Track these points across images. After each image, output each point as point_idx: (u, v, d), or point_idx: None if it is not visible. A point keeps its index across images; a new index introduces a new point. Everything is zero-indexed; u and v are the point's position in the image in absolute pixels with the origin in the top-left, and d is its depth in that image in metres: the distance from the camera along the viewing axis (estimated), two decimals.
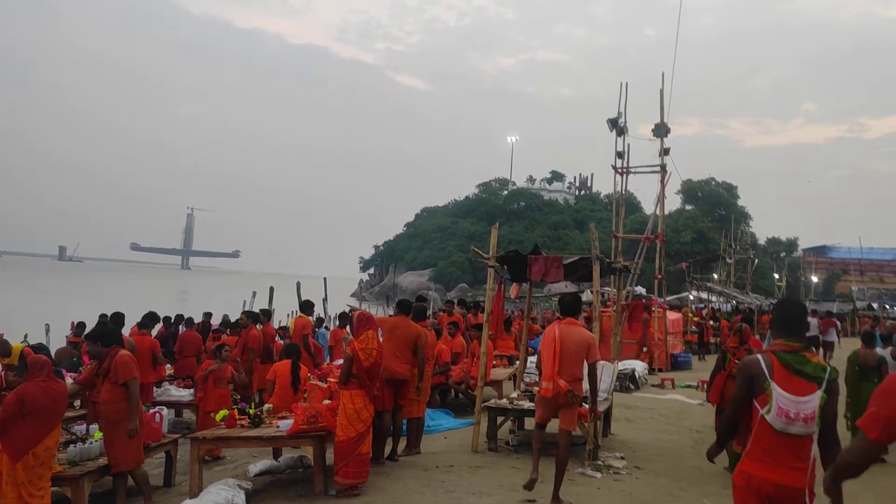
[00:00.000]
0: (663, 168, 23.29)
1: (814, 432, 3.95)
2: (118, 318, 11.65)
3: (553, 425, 7.93)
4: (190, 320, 16.08)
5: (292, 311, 38.19)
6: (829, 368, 4.01)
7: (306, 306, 14.74)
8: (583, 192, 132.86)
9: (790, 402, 3.92)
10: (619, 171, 23.83)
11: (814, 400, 3.92)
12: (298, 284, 34.39)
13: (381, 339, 8.78)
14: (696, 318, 26.99)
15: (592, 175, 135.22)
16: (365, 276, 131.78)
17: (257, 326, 14.39)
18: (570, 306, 7.81)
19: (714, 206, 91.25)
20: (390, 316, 9.74)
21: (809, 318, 21.67)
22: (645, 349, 20.33)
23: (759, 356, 4.07)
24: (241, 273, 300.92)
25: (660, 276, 23.11)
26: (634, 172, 23.94)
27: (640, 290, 26.00)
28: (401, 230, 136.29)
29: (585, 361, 7.50)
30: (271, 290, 29.91)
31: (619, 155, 23.54)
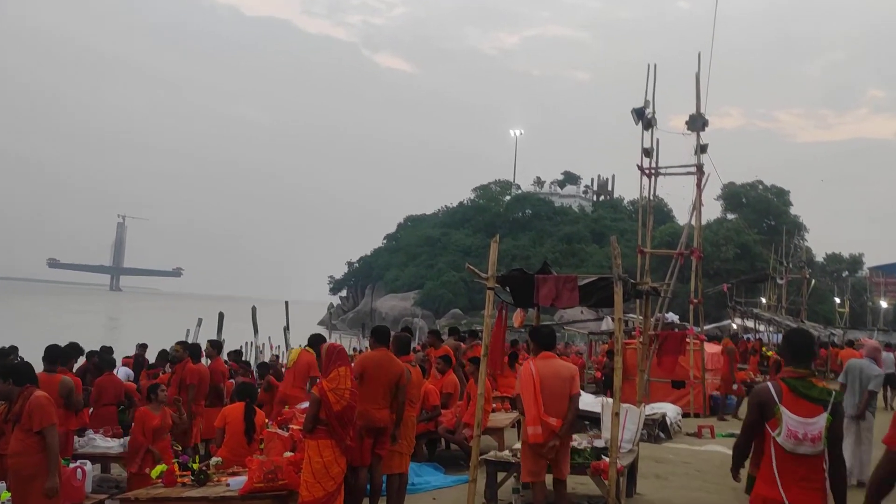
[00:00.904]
0: (700, 168, 23.39)
1: (822, 452, 5.04)
2: (61, 351, 11.31)
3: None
4: (104, 358, 14.84)
5: (282, 345, 38.06)
6: (833, 392, 5.15)
7: (317, 341, 14.48)
8: (602, 197, 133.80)
9: (798, 423, 5.03)
10: (647, 172, 23.91)
11: (820, 421, 5.05)
12: (254, 310, 34.34)
13: (354, 378, 8.76)
14: (769, 353, 27.19)
15: (614, 177, 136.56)
16: (336, 300, 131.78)
17: (204, 361, 14.30)
18: (546, 339, 8.59)
19: (761, 214, 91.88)
20: (367, 349, 9.75)
21: (885, 353, 21.72)
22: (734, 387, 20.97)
23: (769, 384, 5.26)
24: (184, 295, 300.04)
25: (696, 301, 23.17)
26: (665, 174, 24.02)
27: (673, 317, 26.01)
28: (379, 243, 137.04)
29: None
30: (221, 316, 29.79)
31: (647, 153, 23.63)
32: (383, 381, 9.24)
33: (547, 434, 8.08)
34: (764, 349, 31.03)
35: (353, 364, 9.10)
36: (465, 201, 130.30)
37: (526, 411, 8.23)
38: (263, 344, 37.40)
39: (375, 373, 9.24)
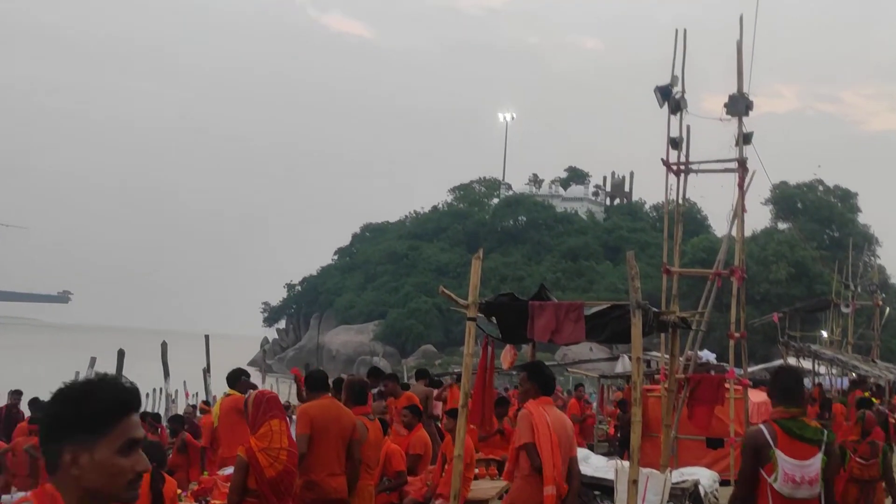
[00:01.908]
0: (743, 164, 23.52)
1: (819, 494, 5.82)
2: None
3: None
4: None
5: (201, 391, 37.69)
6: (826, 431, 6.00)
7: (237, 377, 14.37)
8: (617, 200, 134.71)
9: (794, 466, 5.80)
10: (675, 168, 24.02)
11: (816, 463, 5.86)
12: (164, 346, 34.13)
13: (293, 436, 8.68)
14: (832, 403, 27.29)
15: (632, 175, 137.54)
16: (271, 334, 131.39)
17: None
18: (548, 380, 8.74)
19: (822, 223, 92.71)
20: (314, 398, 9.62)
21: None
22: None
23: (762, 426, 6.08)
24: (72, 327, 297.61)
25: (738, 335, 23.29)
26: (698, 171, 24.09)
27: (708, 355, 26.07)
28: (328, 260, 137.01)
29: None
30: (121, 354, 29.54)
31: (674, 143, 23.72)
32: (337, 438, 9.20)
33: (559, 497, 8.06)
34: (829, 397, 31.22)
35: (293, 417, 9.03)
36: (440, 205, 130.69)
37: (544, 464, 8.08)
38: (177, 391, 37.11)
39: (327, 428, 9.19)
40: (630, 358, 13.19)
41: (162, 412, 28.94)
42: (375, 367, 19.06)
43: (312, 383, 9.75)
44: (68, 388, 3.10)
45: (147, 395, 37.19)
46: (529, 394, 8.49)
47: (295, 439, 8.78)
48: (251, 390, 9.51)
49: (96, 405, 3.03)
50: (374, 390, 15.33)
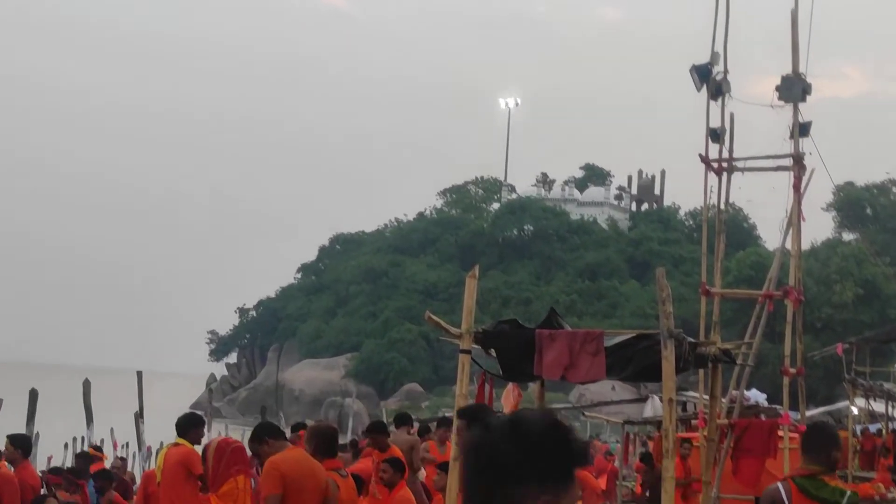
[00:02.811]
0: (799, 161, 23.58)
1: None
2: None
3: None
4: None
5: (132, 441, 37.31)
6: (847, 493, 6.40)
7: (189, 424, 14.29)
8: (645, 205, 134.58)
9: None
10: (716, 166, 24.08)
11: None
12: (87, 385, 34.04)
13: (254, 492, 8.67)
14: None
15: (663, 174, 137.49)
16: (220, 370, 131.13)
17: (5, 465, 14.16)
18: None
19: None
20: (277, 448, 9.58)
21: None
22: None
23: (779, 484, 6.60)
24: None
25: (794, 371, 23.36)
26: (745, 169, 24.14)
27: (757, 396, 26.10)
28: (290, 279, 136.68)
29: None
30: (33, 396, 29.42)
31: (715, 136, 23.75)
32: (313, 499, 9.24)
33: None
34: None
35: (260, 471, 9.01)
36: (428, 211, 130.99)
37: None
38: (102, 440, 37.03)
39: (302, 487, 9.20)
40: (661, 399, 13.12)
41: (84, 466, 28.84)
42: (404, 414, 19.14)
43: (257, 436, 9.70)
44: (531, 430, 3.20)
45: (66, 444, 37.11)
46: None
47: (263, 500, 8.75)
48: (199, 427, 9.50)
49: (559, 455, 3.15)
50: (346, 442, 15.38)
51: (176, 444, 13.37)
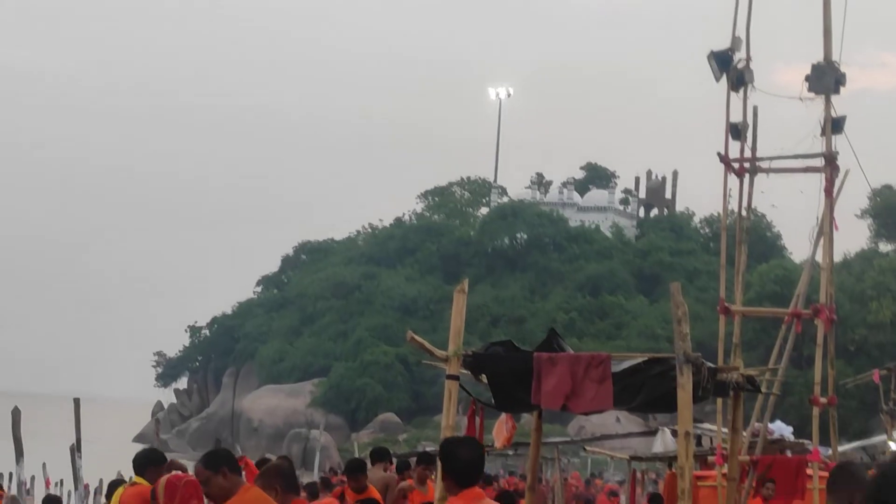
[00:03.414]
0: (831, 161, 23.67)
1: None
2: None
3: None
4: None
5: (68, 477, 37.24)
6: None
7: (147, 461, 14.27)
8: (654, 210, 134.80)
9: None
10: (737, 166, 24.15)
11: None
12: (16, 414, 33.92)
13: None
14: None
15: (675, 175, 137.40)
16: (167, 396, 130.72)
17: None
18: (467, 467, 7.96)
19: None
20: (233, 487, 9.53)
21: None
22: None
23: None
24: None
25: (825, 401, 23.43)
26: (769, 171, 24.23)
27: (783, 429, 26.15)
28: (249, 293, 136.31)
29: None
30: None
31: (736, 132, 23.80)
32: None
33: None
34: None
35: None
36: (407, 217, 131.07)
37: None
38: (33, 476, 36.91)
39: None
40: (674, 433, 13.15)
41: None
42: (381, 449, 19.01)
43: (206, 464, 9.58)
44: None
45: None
46: (449, 490, 8.06)
47: None
48: (165, 475, 9.48)
49: None
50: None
51: (133, 484, 13.33)
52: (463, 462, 7.78)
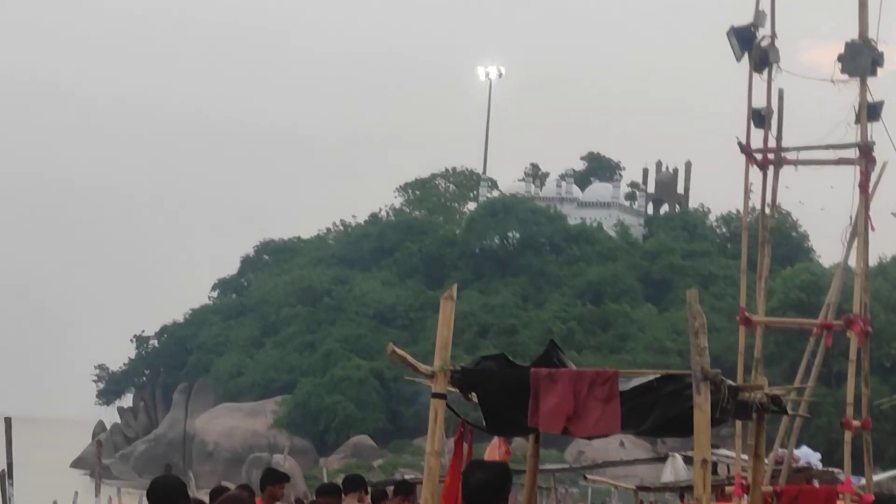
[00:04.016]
0: (867, 152, 23.73)
1: None
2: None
3: None
4: None
5: None
6: None
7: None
8: (665, 207, 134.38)
9: None
10: (759, 157, 24.20)
11: None
12: None
13: None
14: None
15: (688, 167, 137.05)
16: (110, 416, 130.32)
17: None
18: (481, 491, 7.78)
19: None
20: None
21: None
22: None
23: None
24: None
25: (858, 424, 23.53)
26: (796, 163, 24.30)
27: (810, 455, 26.26)
28: (204, 298, 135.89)
29: None
30: None
31: (759, 119, 23.83)
32: None
33: None
34: None
35: None
36: (384, 212, 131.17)
37: None
38: None
39: None
40: (686, 459, 13.21)
41: None
42: (355, 477, 18.79)
43: (177, 489, 9.59)
44: None
45: None
46: None
47: None
48: None
49: None
50: None
51: None
52: (471, 487, 7.77)
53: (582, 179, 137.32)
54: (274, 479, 13.81)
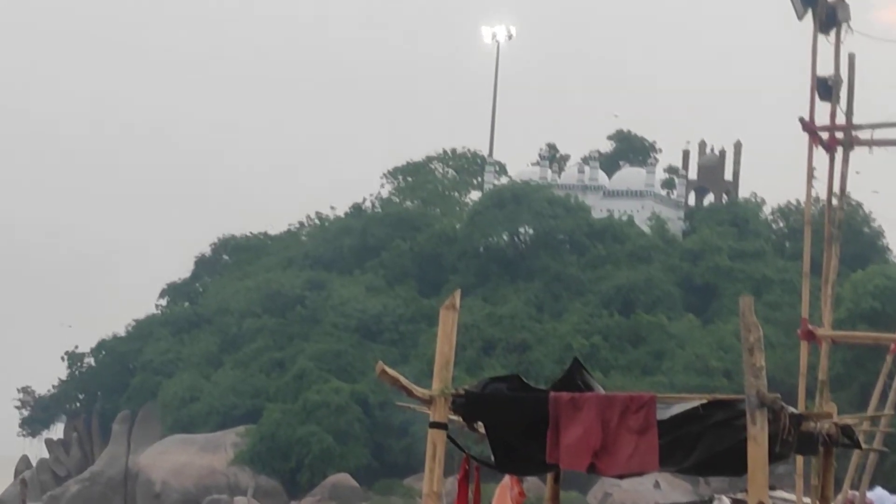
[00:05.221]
0: None
1: None
2: None
3: None
4: None
5: None
6: None
7: None
8: (708, 197, 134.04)
9: None
10: (826, 136, 24.25)
11: None
12: None
13: None
14: None
15: (738, 148, 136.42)
16: (37, 450, 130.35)
17: None
18: None
19: None
20: None
21: None
22: None
23: None
24: None
25: None
26: (871, 143, 24.37)
27: (884, 498, 26.40)
28: (151, 307, 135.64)
29: None
30: None
31: (825, 90, 23.92)
32: None
33: None
34: None
35: None
36: (368, 202, 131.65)
37: None
38: None
39: None
40: (736, 503, 13.37)
41: None
42: None
43: None
44: None
45: None
46: None
47: None
48: None
49: None
50: None
51: None
52: None
53: (609, 163, 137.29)
54: None
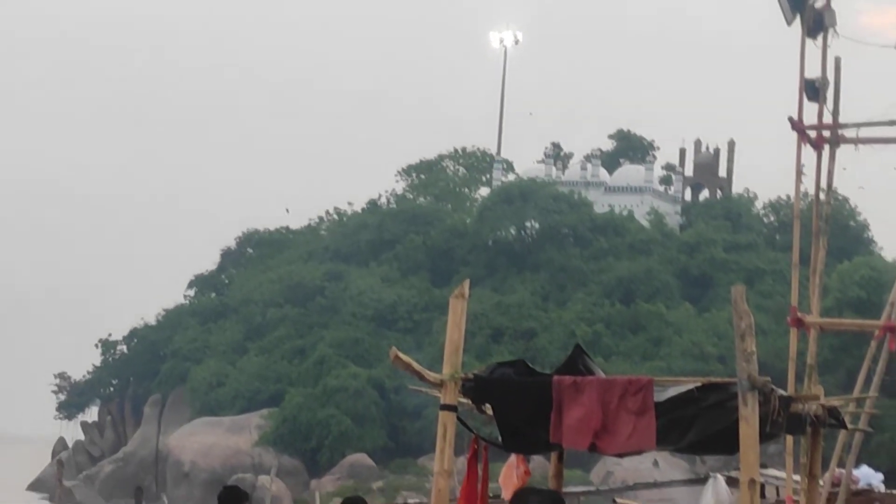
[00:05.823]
0: None
1: None
2: None
3: None
4: None
5: None
6: None
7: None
8: (705, 192, 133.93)
9: None
10: (814, 135, 24.21)
11: None
12: None
13: None
14: None
15: (731, 146, 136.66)
16: (72, 432, 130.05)
17: None
18: None
19: None
20: None
21: None
22: None
23: None
24: None
25: None
26: (856, 141, 24.32)
27: (870, 476, 26.30)
28: (180, 298, 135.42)
29: None
30: None
31: (813, 91, 23.88)
32: None
33: None
34: None
35: None
36: (384, 199, 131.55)
37: None
38: None
39: None
40: (730, 481, 13.30)
41: None
42: (355, 500, 18.84)
43: None
44: None
45: None
46: None
47: None
48: None
49: None
50: None
51: None
52: None
53: (610, 161, 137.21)
54: (233, 499, 13.84)
